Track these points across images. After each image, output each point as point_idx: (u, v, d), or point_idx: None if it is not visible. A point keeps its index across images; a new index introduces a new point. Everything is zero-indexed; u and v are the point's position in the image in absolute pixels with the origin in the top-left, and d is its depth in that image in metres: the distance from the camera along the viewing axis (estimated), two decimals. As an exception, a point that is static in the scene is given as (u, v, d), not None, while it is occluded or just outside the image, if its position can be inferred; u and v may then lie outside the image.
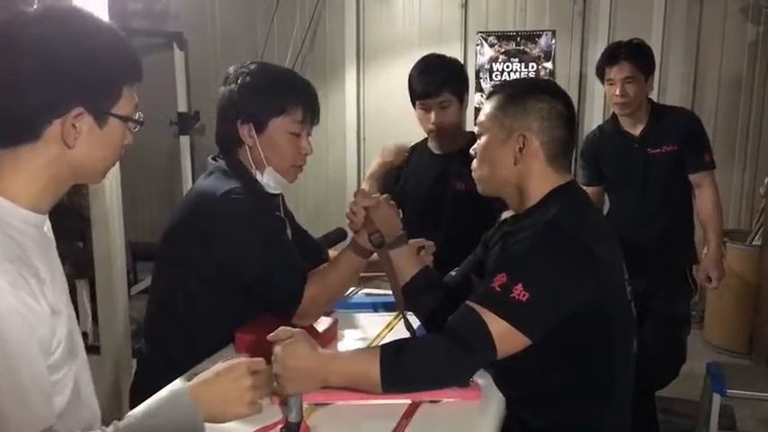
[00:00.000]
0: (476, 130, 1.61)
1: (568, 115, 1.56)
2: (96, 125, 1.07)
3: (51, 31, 1.02)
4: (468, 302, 1.43)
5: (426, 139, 2.54)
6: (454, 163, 2.39)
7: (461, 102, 2.39)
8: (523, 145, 1.51)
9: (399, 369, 1.39)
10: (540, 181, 1.53)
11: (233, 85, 1.70)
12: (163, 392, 1.13)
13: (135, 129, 1.14)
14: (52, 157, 1.05)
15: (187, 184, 4.82)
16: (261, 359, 1.24)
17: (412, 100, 2.41)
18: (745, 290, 3.96)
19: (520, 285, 1.37)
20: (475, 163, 1.61)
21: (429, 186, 2.44)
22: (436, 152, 2.49)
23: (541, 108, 1.52)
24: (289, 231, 1.85)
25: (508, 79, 4.52)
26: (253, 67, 1.73)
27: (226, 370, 1.17)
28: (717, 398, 2.63)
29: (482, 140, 1.58)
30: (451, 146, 2.42)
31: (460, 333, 1.39)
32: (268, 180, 1.74)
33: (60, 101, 1.03)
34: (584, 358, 1.46)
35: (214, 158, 1.78)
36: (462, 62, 4.65)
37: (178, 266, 1.71)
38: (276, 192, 1.79)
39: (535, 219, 1.49)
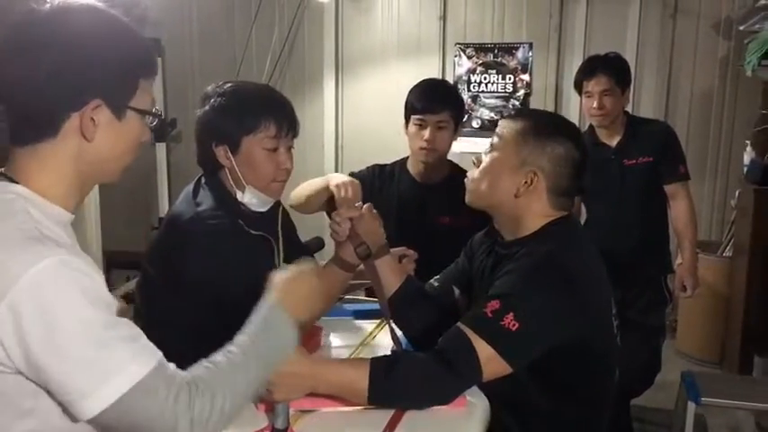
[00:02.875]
0: (491, 140, 1.60)
1: (581, 163, 1.56)
2: (115, 118, 1.06)
3: (66, 26, 1.02)
4: (459, 325, 1.45)
5: (404, 162, 2.46)
6: (438, 195, 2.34)
7: (456, 129, 2.35)
8: (531, 182, 1.52)
9: (387, 386, 1.41)
10: (539, 217, 1.55)
11: (207, 107, 1.68)
12: (261, 313, 1.20)
13: (153, 123, 1.14)
14: (73, 152, 1.05)
15: (163, 192, 4.78)
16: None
17: (406, 116, 2.34)
18: (716, 300, 4.02)
19: (511, 314, 1.39)
20: (475, 171, 1.61)
21: (410, 216, 2.34)
22: (418, 180, 2.41)
23: (559, 153, 1.52)
24: (281, 246, 1.80)
25: (492, 92, 4.57)
26: (227, 87, 1.69)
27: (295, 278, 1.29)
28: (692, 406, 2.67)
29: (493, 155, 1.57)
30: (435, 175, 2.37)
31: (450, 357, 1.41)
32: (250, 199, 1.70)
33: (77, 94, 1.02)
34: (568, 389, 1.50)
35: (197, 181, 1.74)
36: (441, 73, 4.74)
37: (159, 288, 1.67)
38: (261, 210, 1.75)
39: (530, 248, 1.51)
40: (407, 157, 2.45)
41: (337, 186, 1.86)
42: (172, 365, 1.03)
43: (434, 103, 2.28)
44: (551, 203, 1.55)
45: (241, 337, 1.14)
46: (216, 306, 1.53)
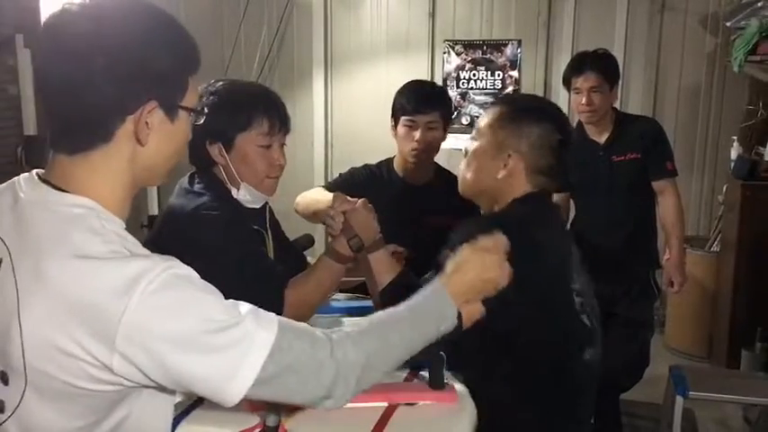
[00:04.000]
0: (472, 134, 1.66)
1: (563, 142, 1.60)
2: (167, 119, 1.01)
3: (114, 23, 0.95)
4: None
5: (390, 162, 2.45)
6: (426, 196, 2.34)
7: (445, 130, 2.34)
8: (508, 163, 1.57)
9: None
10: (513, 196, 1.59)
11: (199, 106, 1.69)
12: (426, 293, 1.20)
13: (197, 121, 1.09)
14: (127, 157, 0.99)
15: (152, 190, 4.76)
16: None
17: (395, 118, 2.33)
18: (703, 295, 4.05)
19: None
20: (463, 163, 1.67)
21: (398, 217, 2.21)
22: (406, 180, 2.40)
23: (536, 133, 1.57)
24: (270, 242, 1.83)
25: (481, 89, 4.58)
26: (218, 85, 1.71)
27: (478, 255, 1.26)
28: (680, 400, 2.69)
29: (475, 146, 1.64)
30: (422, 175, 2.37)
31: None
32: (244, 195, 1.72)
33: (133, 97, 0.96)
34: (531, 367, 1.51)
35: (190, 177, 1.76)
36: (430, 70, 4.75)
37: None
38: (254, 206, 1.77)
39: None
40: (393, 158, 2.44)
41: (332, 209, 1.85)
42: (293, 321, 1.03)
43: (424, 104, 2.28)
44: (532, 184, 1.59)
45: (403, 304, 1.15)
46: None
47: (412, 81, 2.41)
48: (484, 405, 1.50)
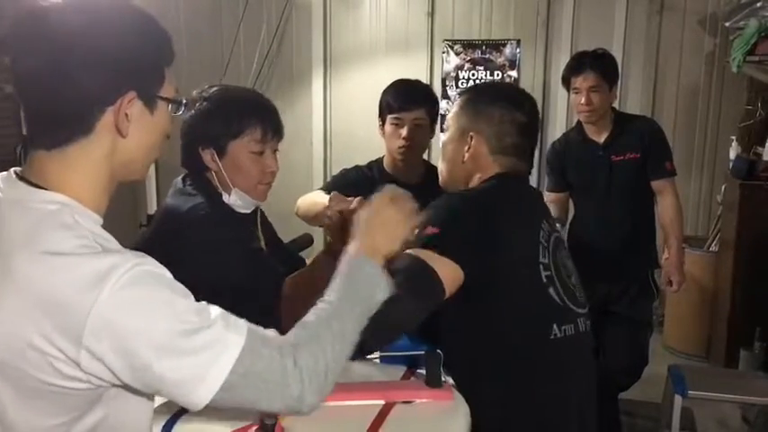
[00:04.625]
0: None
1: (527, 123, 1.64)
2: (147, 110, 1.00)
3: (90, 12, 0.95)
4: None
5: (380, 162, 2.45)
6: (418, 193, 2.33)
7: (432, 128, 2.36)
8: (470, 144, 1.62)
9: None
10: (482, 178, 1.64)
11: (192, 112, 1.69)
12: (343, 269, 1.18)
13: (178, 112, 1.08)
14: (106, 151, 0.99)
15: (151, 188, 4.77)
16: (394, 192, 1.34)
17: (382, 116, 2.35)
18: (702, 295, 4.06)
19: (429, 226, 1.48)
20: (440, 159, 1.75)
21: None
22: (398, 178, 2.35)
23: (494, 113, 1.62)
24: (262, 244, 1.83)
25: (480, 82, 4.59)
26: (212, 90, 1.71)
27: (375, 212, 1.29)
28: (678, 399, 2.70)
29: (443, 138, 1.73)
30: (412, 173, 2.37)
31: (403, 274, 1.39)
32: (235, 201, 1.72)
33: (111, 88, 0.96)
34: (503, 334, 1.53)
35: (183, 179, 1.76)
36: (429, 69, 4.75)
37: None
38: (245, 211, 1.77)
39: None
40: (383, 157, 2.45)
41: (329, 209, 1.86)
42: (261, 328, 1.01)
43: (410, 101, 2.30)
44: (498, 164, 1.64)
45: (328, 294, 1.13)
46: (217, 295, 1.54)
47: (397, 80, 2.43)
48: (472, 404, 1.51)
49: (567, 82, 2.94)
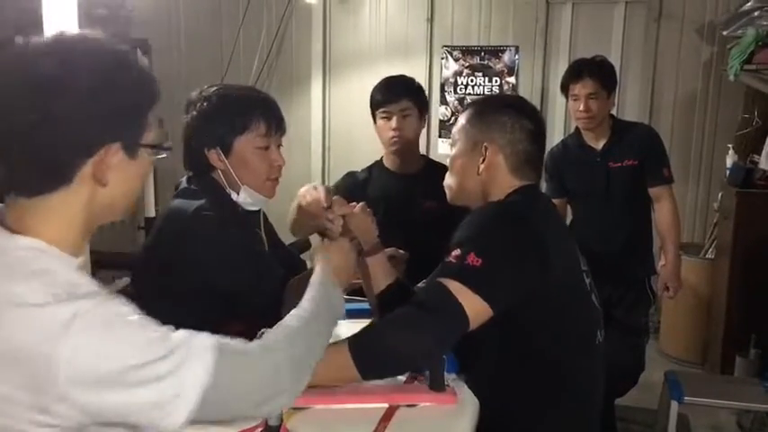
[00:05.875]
0: (449, 143, 1.71)
1: (535, 130, 1.63)
2: (127, 158, 1.00)
3: (71, 64, 0.93)
4: (431, 280, 1.50)
5: (379, 162, 2.55)
6: (419, 182, 2.42)
7: (422, 117, 2.45)
8: (485, 156, 1.60)
9: (368, 345, 1.44)
10: (505, 189, 1.62)
11: (194, 113, 1.70)
12: (314, 290, 1.28)
13: (162, 156, 1.09)
14: (86, 198, 0.98)
15: (149, 192, 4.76)
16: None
17: (373, 113, 2.46)
18: (698, 302, 4.07)
19: (472, 254, 1.44)
20: (447, 174, 1.70)
21: (396, 207, 2.39)
22: (397, 171, 2.50)
23: (505, 122, 1.61)
24: (266, 246, 1.83)
25: (479, 94, 4.62)
26: (211, 90, 1.71)
27: (334, 249, 1.51)
28: (674, 405, 2.71)
29: (452, 152, 1.69)
30: (412, 165, 2.47)
31: (423, 299, 1.45)
32: (245, 198, 1.73)
33: (95, 139, 0.96)
34: (544, 350, 1.52)
35: (188, 179, 1.77)
36: (428, 75, 4.77)
37: (158, 287, 1.68)
38: (254, 209, 1.79)
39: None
40: (382, 158, 2.55)
41: (301, 195, 1.89)
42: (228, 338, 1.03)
43: (395, 93, 2.42)
44: (514, 174, 1.61)
45: (304, 301, 1.22)
46: (219, 296, 1.57)
47: (384, 78, 2.53)
48: (497, 416, 1.51)
49: (565, 89, 2.95)
